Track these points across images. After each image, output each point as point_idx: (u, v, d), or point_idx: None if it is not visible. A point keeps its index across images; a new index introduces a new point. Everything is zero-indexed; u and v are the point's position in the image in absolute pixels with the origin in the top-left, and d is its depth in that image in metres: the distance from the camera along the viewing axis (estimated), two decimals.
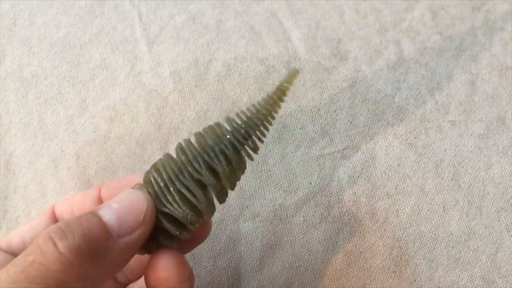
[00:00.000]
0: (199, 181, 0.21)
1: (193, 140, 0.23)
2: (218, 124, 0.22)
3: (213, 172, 0.21)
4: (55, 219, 0.24)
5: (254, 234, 0.31)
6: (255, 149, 0.23)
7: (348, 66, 0.36)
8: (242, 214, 0.32)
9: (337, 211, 0.32)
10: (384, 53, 0.37)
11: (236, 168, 0.22)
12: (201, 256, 0.31)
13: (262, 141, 0.23)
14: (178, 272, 0.21)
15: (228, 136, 0.22)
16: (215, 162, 0.21)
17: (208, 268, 0.31)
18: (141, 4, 0.38)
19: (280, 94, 0.23)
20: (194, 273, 0.30)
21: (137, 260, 0.22)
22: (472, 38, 0.38)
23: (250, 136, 0.22)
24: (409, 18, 0.39)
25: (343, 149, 0.34)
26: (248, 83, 0.35)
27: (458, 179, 0.33)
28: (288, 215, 0.32)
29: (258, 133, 0.23)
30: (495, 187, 0.32)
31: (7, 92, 0.35)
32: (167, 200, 0.21)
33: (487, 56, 0.37)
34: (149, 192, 0.21)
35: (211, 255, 0.31)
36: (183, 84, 0.35)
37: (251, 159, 0.23)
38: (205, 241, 0.31)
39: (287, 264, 0.31)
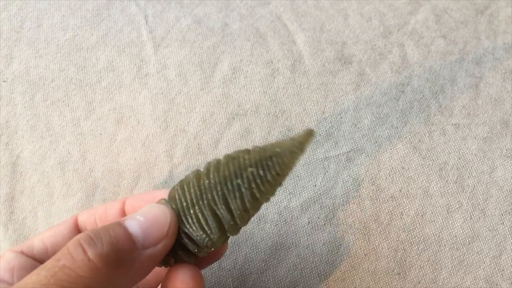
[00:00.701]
0: (215, 211, 0.21)
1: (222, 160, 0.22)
2: (244, 153, 0.22)
3: (229, 205, 0.21)
4: (77, 228, 0.25)
5: (259, 236, 0.32)
6: (271, 192, 0.22)
7: (353, 69, 0.37)
8: None
9: (342, 213, 0.32)
10: (388, 56, 0.37)
11: (249, 207, 0.21)
12: None
13: (280, 184, 0.22)
14: (195, 285, 0.21)
15: (250, 169, 0.21)
16: (230, 197, 0.21)
17: (214, 269, 0.31)
18: (147, 7, 0.38)
19: (297, 153, 0.22)
20: None
21: (151, 272, 0.23)
22: (475, 41, 0.38)
23: (268, 176, 0.21)
24: (413, 21, 0.39)
25: (347, 152, 0.34)
26: (253, 86, 0.36)
27: (462, 182, 0.33)
28: (293, 217, 0.32)
29: (276, 176, 0.22)
30: (498, 190, 0.33)
31: (14, 94, 0.35)
32: (187, 221, 0.21)
33: (491, 59, 0.37)
34: (172, 208, 0.21)
35: None
36: (189, 86, 0.36)
37: (266, 201, 0.22)
38: None
39: (292, 266, 0.31)
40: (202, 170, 0.22)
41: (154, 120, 0.34)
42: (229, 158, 0.22)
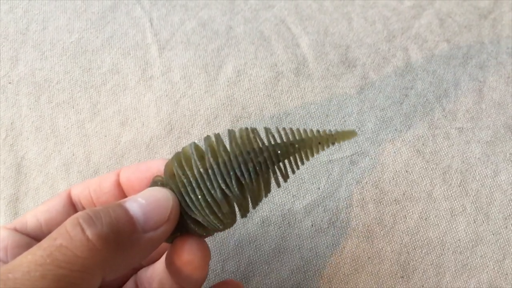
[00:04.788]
0: (225, 192, 0.20)
1: (224, 137, 0.22)
2: (255, 133, 0.21)
3: (240, 185, 0.21)
4: (71, 202, 0.24)
5: (262, 238, 0.32)
6: (285, 176, 0.22)
7: (356, 73, 0.37)
8: (251, 218, 0.32)
9: (345, 216, 0.32)
10: (392, 60, 0.37)
11: (263, 189, 0.21)
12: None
13: (294, 172, 0.22)
14: (202, 256, 0.21)
15: (264, 155, 0.21)
16: (245, 178, 0.20)
17: (217, 271, 0.31)
18: (152, 10, 0.39)
19: (332, 139, 0.22)
20: None
21: None
22: (479, 46, 0.38)
23: (284, 160, 0.21)
24: (416, 25, 0.39)
25: (351, 155, 0.34)
26: (257, 89, 0.36)
27: (466, 185, 0.33)
28: (297, 219, 0.32)
29: (293, 161, 0.21)
30: (502, 194, 0.33)
31: (19, 96, 0.36)
32: (194, 205, 0.20)
33: (494, 64, 0.37)
34: (173, 189, 0.21)
35: (220, 258, 0.31)
36: (193, 89, 0.36)
37: (279, 186, 0.22)
38: (214, 245, 0.31)
39: (295, 269, 0.31)
40: (201, 144, 0.21)
41: (159, 122, 0.35)
42: (241, 133, 0.21)
